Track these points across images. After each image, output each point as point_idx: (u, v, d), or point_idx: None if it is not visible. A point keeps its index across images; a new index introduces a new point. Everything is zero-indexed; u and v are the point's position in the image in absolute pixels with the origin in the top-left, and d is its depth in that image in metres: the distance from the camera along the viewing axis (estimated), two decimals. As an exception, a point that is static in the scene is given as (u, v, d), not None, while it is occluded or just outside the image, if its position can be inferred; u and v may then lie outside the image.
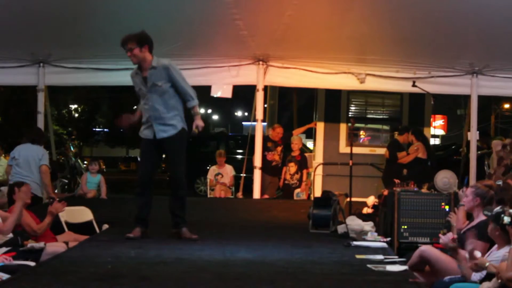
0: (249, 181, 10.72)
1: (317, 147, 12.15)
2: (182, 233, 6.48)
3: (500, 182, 6.68)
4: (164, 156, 6.73)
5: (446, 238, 5.19)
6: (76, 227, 7.59)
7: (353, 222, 6.95)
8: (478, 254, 4.72)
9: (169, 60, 6.54)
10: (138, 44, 6.32)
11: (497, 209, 4.84)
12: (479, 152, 10.74)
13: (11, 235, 6.07)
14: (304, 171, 11.07)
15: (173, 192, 6.59)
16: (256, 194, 10.13)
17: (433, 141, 26.65)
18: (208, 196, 11.76)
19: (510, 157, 9.54)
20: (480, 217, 5.55)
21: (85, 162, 20.64)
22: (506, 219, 4.59)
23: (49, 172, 8.87)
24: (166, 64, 6.43)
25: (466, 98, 10.81)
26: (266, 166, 10.73)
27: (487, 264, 4.56)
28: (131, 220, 6.73)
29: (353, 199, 8.94)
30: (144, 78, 6.43)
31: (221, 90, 10.51)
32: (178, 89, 6.46)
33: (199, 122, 6.36)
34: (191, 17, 8.58)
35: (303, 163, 11.08)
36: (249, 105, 10.03)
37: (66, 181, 14.42)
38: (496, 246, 4.91)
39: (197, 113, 6.47)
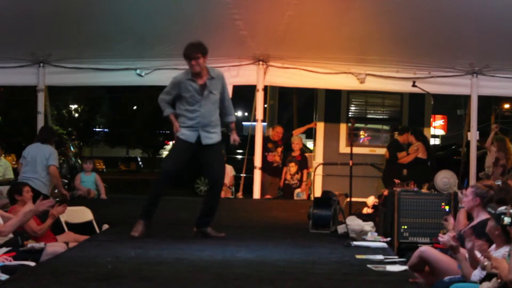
0: (249, 181, 10.72)
1: (317, 147, 12.15)
2: (208, 232, 6.70)
3: (499, 182, 6.68)
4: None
5: (446, 236, 5.18)
6: (76, 227, 7.59)
7: (353, 222, 6.95)
8: (477, 254, 4.73)
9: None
10: (202, 54, 6.54)
11: (502, 208, 4.84)
12: (480, 151, 10.73)
13: (11, 235, 6.07)
14: (305, 171, 11.07)
15: (212, 195, 6.85)
16: (256, 194, 10.13)
17: (433, 141, 26.67)
18: (208, 196, 11.74)
19: (504, 155, 9.53)
20: (480, 217, 5.56)
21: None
22: (507, 220, 4.59)
23: (57, 172, 8.94)
24: (221, 75, 6.75)
25: (466, 98, 10.79)
26: (267, 167, 10.74)
27: (486, 263, 4.55)
28: (131, 220, 6.73)
29: (353, 199, 8.93)
30: (201, 86, 6.58)
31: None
32: (224, 102, 6.76)
33: (236, 137, 6.81)
34: (191, 17, 8.57)
35: (303, 163, 11.07)
36: (249, 105, 10.03)
37: (66, 181, 14.40)
38: (494, 245, 4.91)
39: (234, 128, 6.91)
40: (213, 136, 6.69)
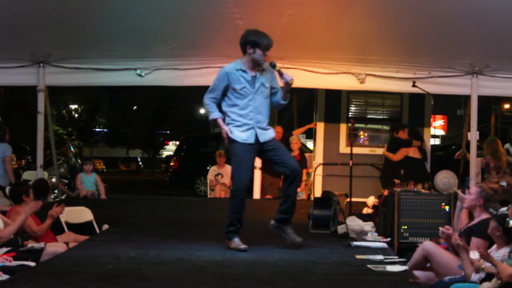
0: (249, 181, 10.70)
1: (317, 147, 12.15)
2: (287, 232, 6.21)
3: (504, 183, 6.69)
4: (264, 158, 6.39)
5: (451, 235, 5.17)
6: (76, 227, 7.59)
7: (353, 222, 6.95)
8: (476, 255, 4.72)
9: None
10: None
11: (503, 209, 4.84)
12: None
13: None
14: (304, 171, 11.06)
15: (291, 183, 6.14)
16: (256, 194, 10.12)
17: (433, 141, 26.60)
18: (208, 196, 11.76)
19: (492, 158, 9.50)
20: (481, 216, 5.57)
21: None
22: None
23: (11, 161, 9.94)
24: (271, 67, 6.26)
25: (466, 98, 10.79)
26: (267, 167, 10.73)
27: (483, 266, 4.56)
28: (131, 220, 6.72)
29: (353, 199, 8.93)
30: (252, 78, 6.15)
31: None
32: (274, 92, 6.29)
33: (287, 76, 6.22)
34: (191, 17, 8.57)
35: (302, 164, 11.07)
36: (249, 105, 9.99)
37: (66, 181, 14.40)
38: (495, 246, 4.91)
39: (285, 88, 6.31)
40: (268, 132, 6.19)
